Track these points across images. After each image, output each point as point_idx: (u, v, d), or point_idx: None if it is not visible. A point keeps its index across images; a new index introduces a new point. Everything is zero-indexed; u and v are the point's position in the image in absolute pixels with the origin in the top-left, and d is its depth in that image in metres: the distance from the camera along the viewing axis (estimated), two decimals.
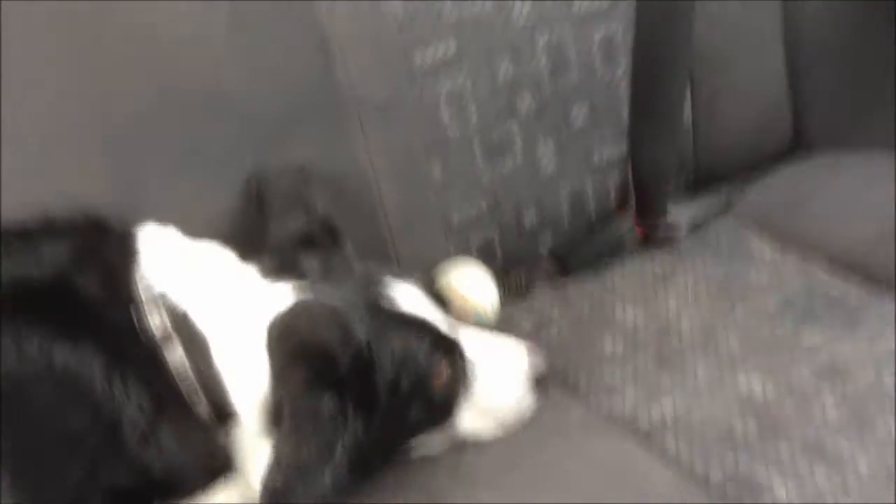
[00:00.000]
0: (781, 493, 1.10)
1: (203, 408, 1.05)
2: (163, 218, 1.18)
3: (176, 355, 1.04)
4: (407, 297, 1.15)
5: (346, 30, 1.36)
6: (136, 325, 1.03)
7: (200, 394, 1.04)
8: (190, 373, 1.04)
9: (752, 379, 1.29)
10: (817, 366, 1.30)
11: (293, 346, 1.05)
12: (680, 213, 1.70)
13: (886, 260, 1.45)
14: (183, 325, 1.05)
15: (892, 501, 1.07)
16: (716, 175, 1.77)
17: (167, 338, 1.04)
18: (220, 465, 1.07)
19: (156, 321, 1.04)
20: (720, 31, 1.70)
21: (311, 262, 1.16)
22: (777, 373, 1.30)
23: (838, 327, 1.37)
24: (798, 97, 1.80)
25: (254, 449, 1.04)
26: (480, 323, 1.40)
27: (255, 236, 1.24)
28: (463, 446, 1.17)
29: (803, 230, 1.61)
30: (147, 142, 1.23)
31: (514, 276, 1.64)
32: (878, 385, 1.25)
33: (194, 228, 1.19)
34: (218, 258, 1.15)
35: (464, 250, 1.55)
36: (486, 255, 1.58)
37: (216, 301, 1.08)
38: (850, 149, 1.79)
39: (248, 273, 1.13)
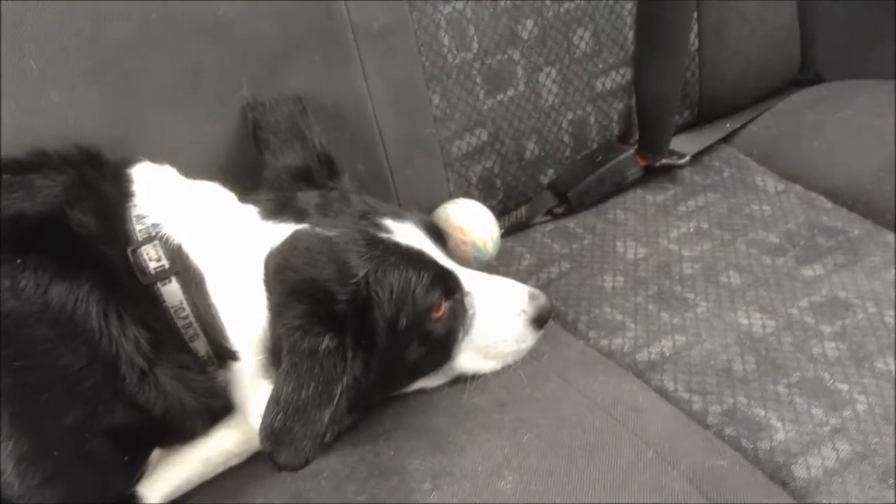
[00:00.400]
0: (779, 431, 1.11)
1: (200, 344, 1.04)
2: (158, 149, 1.15)
3: (172, 290, 1.03)
4: (406, 232, 1.13)
5: None
6: (132, 259, 1.02)
7: (197, 329, 1.04)
8: (187, 308, 1.03)
9: (752, 314, 1.29)
10: (818, 300, 1.30)
11: (291, 281, 1.04)
12: (683, 143, 1.68)
13: (890, 192, 1.44)
14: (178, 259, 1.04)
15: (891, 440, 1.08)
16: (722, 105, 1.74)
17: (163, 272, 1.03)
18: (219, 405, 1.07)
19: (151, 255, 1.03)
20: None
21: (308, 197, 1.13)
22: (777, 308, 1.30)
23: (840, 260, 1.37)
24: (807, 25, 1.75)
25: (253, 388, 1.04)
26: (480, 257, 1.39)
27: (252, 169, 1.21)
28: (461, 386, 1.16)
29: (808, 161, 1.59)
30: (140, 70, 1.19)
31: (514, 213, 1.63)
32: (879, 319, 1.26)
33: (190, 160, 1.17)
34: (214, 196, 1.13)
35: (464, 182, 1.53)
36: (487, 188, 1.56)
37: (212, 236, 1.06)
38: (859, 78, 1.75)
39: (247, 212, 1.11)
